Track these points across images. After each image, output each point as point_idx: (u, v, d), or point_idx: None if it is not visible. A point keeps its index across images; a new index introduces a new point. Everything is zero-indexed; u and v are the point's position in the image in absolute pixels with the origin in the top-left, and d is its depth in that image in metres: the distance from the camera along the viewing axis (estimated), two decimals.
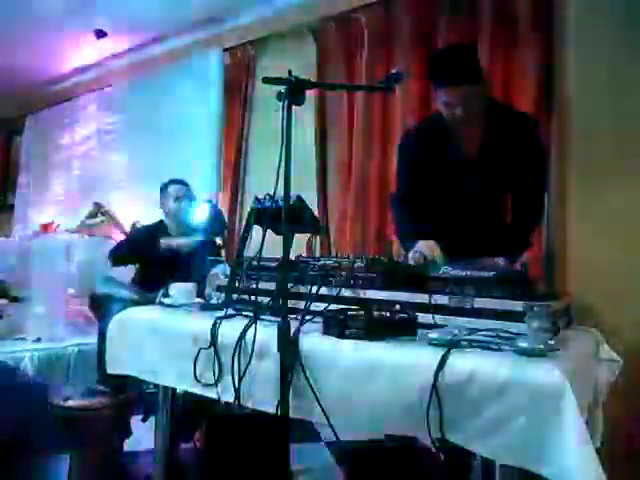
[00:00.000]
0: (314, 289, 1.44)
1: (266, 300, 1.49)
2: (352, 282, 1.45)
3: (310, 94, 1.36)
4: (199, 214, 2.52)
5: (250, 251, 1.67)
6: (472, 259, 1.60)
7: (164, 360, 1.57)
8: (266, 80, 1.31)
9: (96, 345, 2.56)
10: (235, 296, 1.64)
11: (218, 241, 2.89)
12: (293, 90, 1.29)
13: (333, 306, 1.40)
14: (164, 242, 2.69)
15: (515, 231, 1.87)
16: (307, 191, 2.64)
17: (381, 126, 2.90)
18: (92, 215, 4.03)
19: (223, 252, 2.99)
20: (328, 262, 1.51)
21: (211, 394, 1.44)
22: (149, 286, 2.53)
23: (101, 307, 2.66)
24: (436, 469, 1.83)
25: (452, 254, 1.64)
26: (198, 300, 1.78)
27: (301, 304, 1.41)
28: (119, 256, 2.80)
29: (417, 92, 2.71)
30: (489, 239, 1.72)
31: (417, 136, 1.97)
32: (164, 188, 2.88)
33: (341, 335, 1.26)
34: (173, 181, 2.89)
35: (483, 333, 1.18)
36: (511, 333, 1.18)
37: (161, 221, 2.90)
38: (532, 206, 1.90)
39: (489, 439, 1.03)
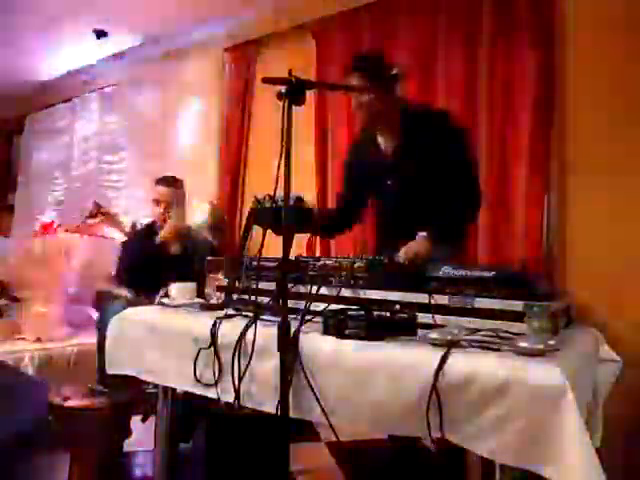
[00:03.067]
0: (314, 289, 1.44)
1: (266, 300, 1.49)
2: (352, 282, 1.45)
3: (310, 94, 1.35)
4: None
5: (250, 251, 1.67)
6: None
7: (164, 360, 1.57)
8: (266, 80, 1.31)
9: (96, 345, 2.56)
10: (235, 296, 1.64)
11: (214, 242, 2.89)
12: (293, 90, 1.29)
13: (333, 306, 1.40)
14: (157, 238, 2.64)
15: (444, 223, 1.88)
16: (307, 191, 2.65)
17: None
18: (92, 215, 4.03)
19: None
20: (328, 262, 1.51)
21: (211, 394, 1.44)
22: (141, 287, 2.53)
23: (103, 305, 2.65)
24: (436, 469, 1.83)
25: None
26: (198, 300, 1.78)
27: (301, 304, 1.41)
28: (122, 279, 2.72)
29: (417, 92, 2.71)
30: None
31: (351, 147, 2.28)
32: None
33: (341, 335, 1.26)
34: (159, 181, 2.76)
35: (483, 333, 1.18)
36: (511, 333, 1.18)
37: (154, 222, 2.80)
38: (459, 201, 1.90)
39: (489, 439, 1.03)
